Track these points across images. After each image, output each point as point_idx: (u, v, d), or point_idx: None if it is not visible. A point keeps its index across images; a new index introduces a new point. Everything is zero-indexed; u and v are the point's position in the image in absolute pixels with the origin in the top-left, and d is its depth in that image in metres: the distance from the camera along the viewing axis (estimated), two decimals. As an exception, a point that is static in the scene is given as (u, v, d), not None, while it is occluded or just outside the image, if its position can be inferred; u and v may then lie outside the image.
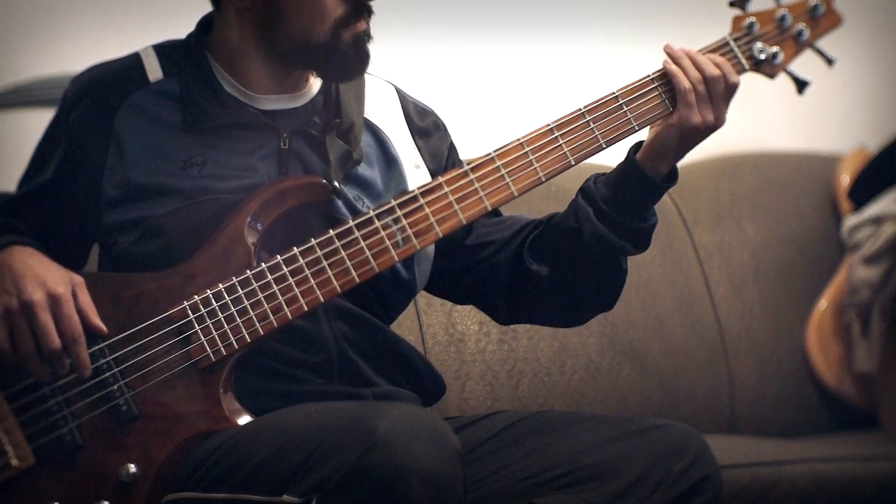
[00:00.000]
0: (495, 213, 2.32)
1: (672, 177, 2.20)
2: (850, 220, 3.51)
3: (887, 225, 3.43)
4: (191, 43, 2.20)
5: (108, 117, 2.15)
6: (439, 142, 2.31)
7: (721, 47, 2.23)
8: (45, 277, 2.04)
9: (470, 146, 2.40)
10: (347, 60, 2.13)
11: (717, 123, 2.19)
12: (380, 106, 2.27)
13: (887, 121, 3.84)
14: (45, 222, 2.18)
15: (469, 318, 2.95)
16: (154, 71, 2.18)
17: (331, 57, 2.12)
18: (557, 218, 2.24)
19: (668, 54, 2.20)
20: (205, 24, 2.21)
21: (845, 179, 3.59)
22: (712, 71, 2.18)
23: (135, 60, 2.20)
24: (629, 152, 2.20)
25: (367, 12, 2.13)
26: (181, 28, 2.25)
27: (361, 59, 2.15)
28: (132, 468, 2.02)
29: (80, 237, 2.21)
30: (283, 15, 2.11)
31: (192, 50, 2.19)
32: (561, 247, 2.21)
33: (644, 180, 2.17)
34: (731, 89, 2.19)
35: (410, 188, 2.21)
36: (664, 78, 2.19)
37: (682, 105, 2.17)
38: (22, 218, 2.18)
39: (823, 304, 3.47)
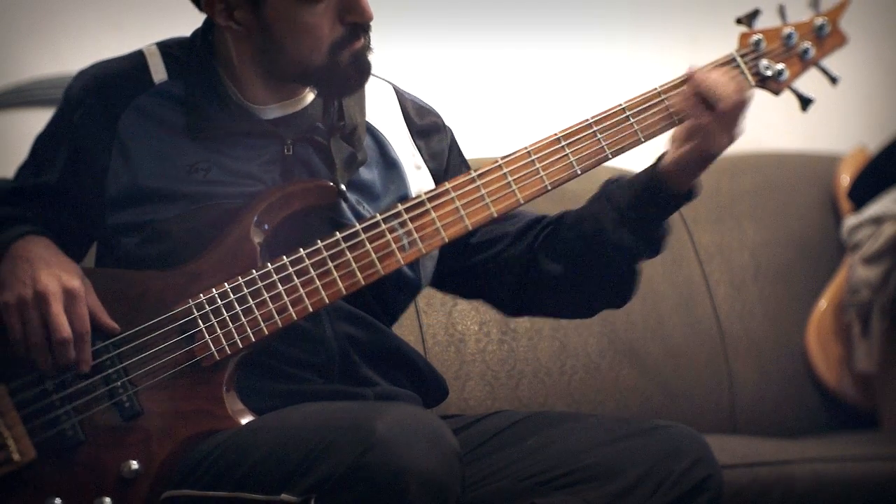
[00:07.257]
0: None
1: (691, 193, 2.18)
2: (850, 220, 3.51)
3: (887, 225, 3.42)
4: (196, 43, 2.18)
5: (112, 119, 2.14)
6: (439, 142, 2.30)
7: (727, 63, 2.21)
8: (60, 271, 2.05)
9: (468, 146, 2.39)
10: (346, 78, 2.12)
11: (735, 139, 2.14)
12: (378, 107, 2.26)
13: (887, 121, 3.84)
14: (46, 219, 2.17)
15: (469, 318, 2.95)
16: (159, 72, 2.17)
17: (330, 77, 2.11)
18: (571, 219, 2.23)
19: (693, 80, 2.13)
20: (211, 24, 2.18)
21: (845, 179, 3.59)
22: (738, 97, 2.11)
23: (139, 60, 2.18)
24: (655, 162, 2.17)
25: (363, 31, 2.11)
26: (181, 28, 2.23)
27: (360, 75, 2.13)
28: (134, 464, 2.02)
29: (81, 235, 2.21)
30: (280, 44, 2.09)
31: (197, 52, 2.17)
32: (578, 249, 2.20)
33: (667, 195, 2.15)
34: (747, 104, 2.14)
35: (412, 190, 2.21)
36: (671, 91, 2.16)
37: (702, 137, 2.11)
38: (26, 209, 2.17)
39: (823, 304, 3.47)
